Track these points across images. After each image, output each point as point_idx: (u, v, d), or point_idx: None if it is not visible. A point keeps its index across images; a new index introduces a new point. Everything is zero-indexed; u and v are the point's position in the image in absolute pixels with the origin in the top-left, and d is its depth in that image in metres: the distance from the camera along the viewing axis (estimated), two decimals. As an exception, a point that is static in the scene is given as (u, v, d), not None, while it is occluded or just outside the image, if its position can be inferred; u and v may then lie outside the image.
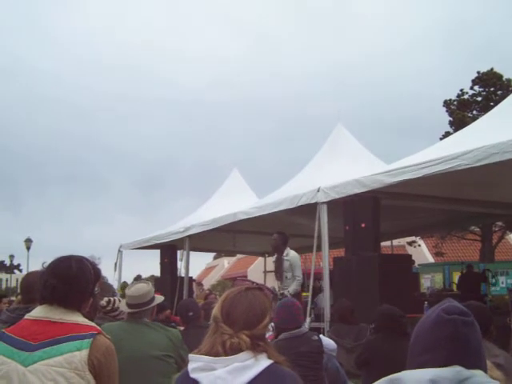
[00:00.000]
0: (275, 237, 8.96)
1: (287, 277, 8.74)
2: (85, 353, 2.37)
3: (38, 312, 2.52)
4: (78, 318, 2.50)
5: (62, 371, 2.33)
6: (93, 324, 2.54)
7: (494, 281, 17.15)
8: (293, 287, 8.58)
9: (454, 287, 15.19)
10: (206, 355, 2.04)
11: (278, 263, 8.84)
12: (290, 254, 8.76)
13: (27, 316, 2.54)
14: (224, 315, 2.12)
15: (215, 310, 2.16)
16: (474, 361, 1.56)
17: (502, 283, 16.78)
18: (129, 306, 4.18)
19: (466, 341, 1.56)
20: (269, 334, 4.75)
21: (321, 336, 5.06)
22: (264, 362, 2.04)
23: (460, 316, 1.58)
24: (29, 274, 3.87)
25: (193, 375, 2.03)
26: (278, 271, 8.79)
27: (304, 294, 14.04)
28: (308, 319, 8.26)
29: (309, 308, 8.50)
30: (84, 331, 2.43)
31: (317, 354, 4.57)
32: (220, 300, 2.20)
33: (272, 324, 4.92)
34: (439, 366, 1.51)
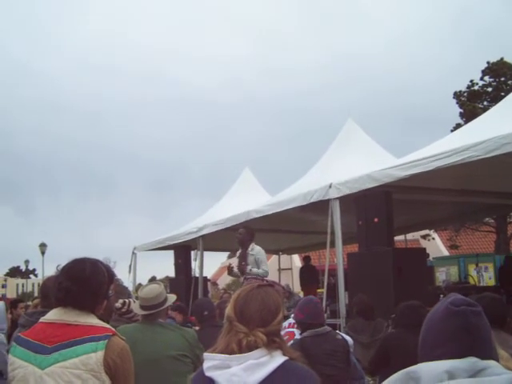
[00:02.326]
0: (241, 231, 8.77)
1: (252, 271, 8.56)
2: (100, 354, 2.38)
3: (53, 315, 2.53)
4: (93, 320, 2.52)
5: (79, 373, 2.35)
6: (107, 325, 2.56)
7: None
8: (255, 270, 8.31)
9: (470, 279, 15.09)
10: (221, 354, 2.05)
11: (242, 258, 8.67)
12: (256, 249, 8.52)
13: (42, 319, 2.56)
14: (238, 314, 2.12)
15: (228, 310, 2.16)
16: (486, 351, 1.55)
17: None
18: (142, 307, 4.19)
19: (477, 331, 1.56)
20: (285, 332, 4.75)
21: (337, 332, 5.05)
22: (279, 359, 2.04)
23: (469, 307, 1.58)
24: (47, 279, 3.91)
25: (208, 374, 2.03)
26: (241, 265, 8.60)
27: (319, 290, 14.06)
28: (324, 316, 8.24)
29: (324, 304, 8.48)
30: (99, 333, 2.45)
31: (342, 353, 4.56)
32: (232, 299, 2.20)
33: (291, 321, 4.90)
34: (454, 358, 1.50)
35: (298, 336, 4.89)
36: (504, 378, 1.44)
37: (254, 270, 8.34)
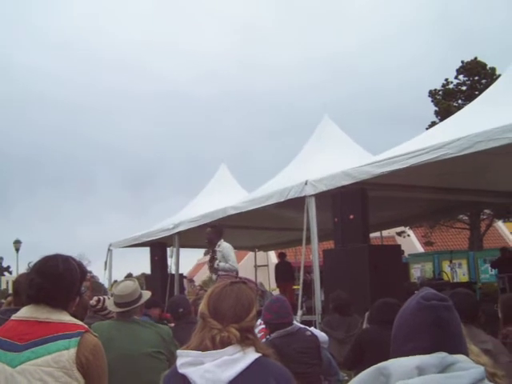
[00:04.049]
0: (208, 230, 8.88)
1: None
2: (73, 351, 2.36)
3: (25, 312, 2.50)
4: (65, 317, 2.49)
5: (50, 371, 2.33)
6: (80, 323, 2.54)
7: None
8: (222, 264, 8.42)
9: (444, 276, 15.28)
10: (195, 350, 2.05)
11: (212, 256, 8.74)
12: (222, 245, 8.63)
13: (13, 317, 2.52)
14: (211, 310, 2.12)
15: (202, 306, 2.16)
16: (456, 345, 1.57)
17: (491, 271, 16.89)
18: (117, 305, 4.17)
19: (447, 326, 1.57)
20: (260, 328, 4.75)
21: (312, 329, 5.06)
22: (252, 355, 2.05)
23: (439, 301, 1.59)
24: (20, 276, 3.87)
25: (181, 370, 2.03)
26: (212, 263, 8.68)
27: (295, 286, 14.11)
28: (300, 312, 8.28)
29: (300, 301, 8.52)
30: (71, 330, 2.43)
31: (314, 349, 4.56)
32: (206, 296, 2.21)
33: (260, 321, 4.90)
34: (424, 353, 1.52)
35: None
36: (472, 372, 1.45)
37: (221, 264, 8.39)
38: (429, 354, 1.51)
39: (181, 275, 13.56)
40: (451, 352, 1.52)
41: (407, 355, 1.54)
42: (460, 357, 1.51)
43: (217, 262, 8.47)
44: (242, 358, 2.02)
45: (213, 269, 8.68)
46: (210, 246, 8.75)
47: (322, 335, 5.07)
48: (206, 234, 8.84)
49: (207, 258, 9.25)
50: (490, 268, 16.62)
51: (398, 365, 1.51)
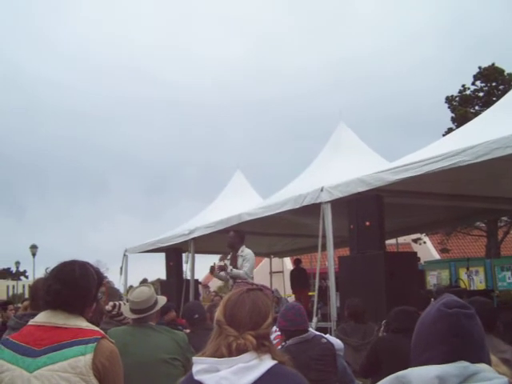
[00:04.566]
0: (231, 234, 8.79)
1: None
2: (89, 357, 2.37)
3: (42, 317, 2.52)
4: (82, 323, 2.51)
5: (67, 376, 2.34)
6: (96, 328, 2.55)
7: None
8: (236, 271, 8.32)
9: (461, 283, 15.13)
10: (211, 357, 2.04)
11: (233, 261, 8.65)
12: (245, 251, 8.53)
13: (31, 322, 2.55)
14: (227, 317, 2.12)
15: (218, 314, 2.15)
16: (477, 354, 1.53)
17: (509, 278, 16.70)
18: (133, 311, 4.17)
19: (469, 334, 1.53)
20: (275, 335, 4.73)
21: (327, 336, 5.02)
22: (268, 363, 2.04)
23: (461, 309, 1.56)
24: (37, 281, 3.89)
25: (197, 377, 2.02)
26: (222, 266, 8.60)
27: (310, 293, 14.07)
28: (315, 319, 8.24)
29: (315, 308, 8.48)
30: (88, 336, 2.44)
31: (330, 357, 4.53)
32: (222, 303, 2.20)
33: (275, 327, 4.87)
34: (444, 362, 1.49)
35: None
36: (495, 382, 1.42)
37: (235, 270, 8.35)
38: (450, 362, 1.48)
39: (196, 281, 13.56)
40: (473, 361, 1.48)
41: (427, 363, 1.51)
42: (483, 366, 1.48)
43: (230, 267, 8.43)
44: (258, 365, 2.01)
45: (216, 272, 8.63)
46: (232, 251, 8.71)
47: (337, 342, 5.03)
48: (229, 238, 8.78)
49: (222, 263, 9.22)
50: (508, 276, 16.45)
51: (417, 374, 1.49)
